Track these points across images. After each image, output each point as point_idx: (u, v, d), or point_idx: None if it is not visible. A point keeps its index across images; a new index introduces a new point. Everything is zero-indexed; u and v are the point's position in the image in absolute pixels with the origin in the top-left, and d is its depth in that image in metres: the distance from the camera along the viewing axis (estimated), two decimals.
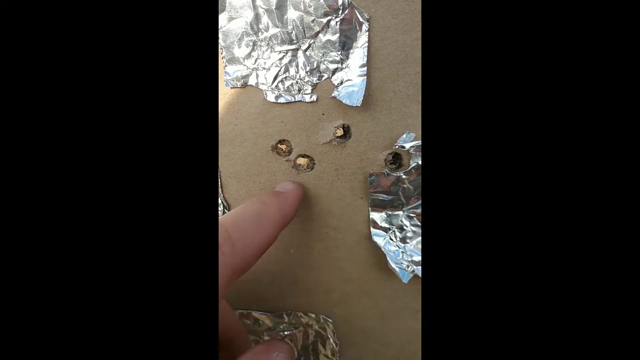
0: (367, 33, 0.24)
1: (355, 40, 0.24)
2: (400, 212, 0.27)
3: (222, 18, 0.25)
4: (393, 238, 0.27)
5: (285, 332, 0.31)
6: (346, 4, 0.23)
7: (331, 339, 0.31)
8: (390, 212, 0.27)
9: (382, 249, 0.27)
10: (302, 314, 0.31)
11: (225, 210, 0.28)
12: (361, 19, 0.24)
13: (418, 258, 0.27)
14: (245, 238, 0.21)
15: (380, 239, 0.27)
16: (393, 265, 0.26)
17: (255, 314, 0.31)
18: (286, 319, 0.31)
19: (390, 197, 0.27)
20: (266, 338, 0.32)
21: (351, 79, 0.25)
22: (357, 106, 0.25)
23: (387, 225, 0.27)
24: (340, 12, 0.24)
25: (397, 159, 0.27)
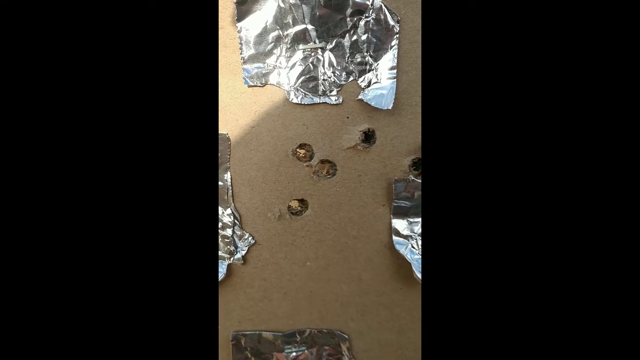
0: (397, 35, 0.23)
1: (385, 41, 0.23)
2: (422, 219, 0.27)
3: (243, 11, 0.23)
4: (415, 246, 0.27)
5: (297, 353, 0.29)
6: (377, 4, 0.23)
7: (345, 356, 0.29)
8: (411, 220, 0.26)
9: (406, 258, 0.26)
10: (315, 332, 0.29)
11: (236, 222, 0.26)
12: (392, 22, 0.23)
13: None
14: None
15: (402, 247, 0.26)
16: (419, 275, 0.26)
17: (265, 335, 0.28)
18: (298, 339, 0.29)
19: (411, 204, 0.26)
20: None
21: (379, 82, 0.24)
22: (382, 110, 0.24)
23: (408, 233, 0.27)
24: (370, 12, 0.23)
25: (419, 164, 0.26)
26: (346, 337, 0.29)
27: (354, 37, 0.23)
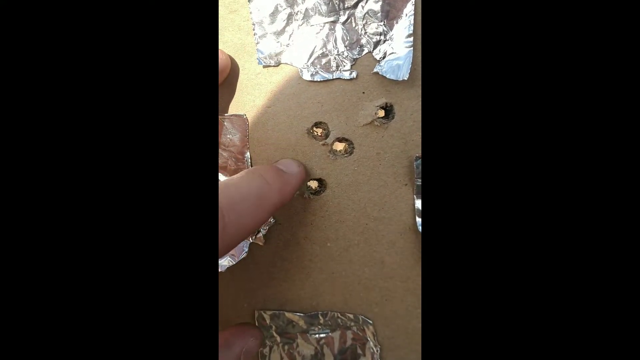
0: (413, 0, 0.22)
1: (400, 8, 0.22)
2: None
3: None
4: None
5: (321, 335, 0.29)
6: None
7: (371, 342, 0.28)
8: None
9: None
10: (339, 315, 0.28)
11: None
12: None
13: None
14: (238, 222, 0.18)
15: None
16: None
17: (288, 314, 0.29)
18: (321, 320, 0.29)
19: None
20: (300, 340, 0.29)
21: (396, 52, 0.22)
22: (401, 83, 0.23)
23: None
24: None
25: None
26: (370, 322, 0.28)
27: (367, 8, 0.22)
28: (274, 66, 0.24)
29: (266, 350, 0.30)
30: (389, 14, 0.22)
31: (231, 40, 0.24)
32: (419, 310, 0.27)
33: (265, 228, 0.27)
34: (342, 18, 0.23)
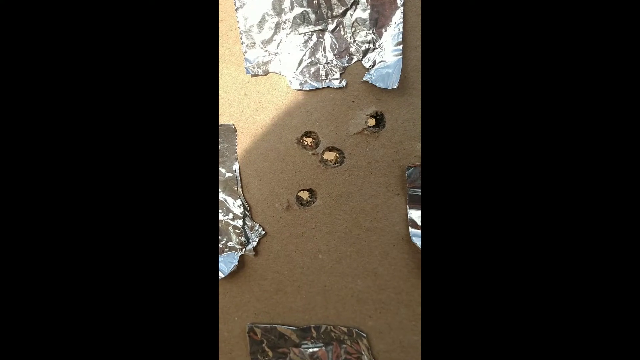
0: (402, 8, 0.21)
1: (389, 16, 0.22)
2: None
3: (242, 0, 0.23)
4: None
5: (314, 349, 0.28)
6: None
7: (365, 356, 0.28)
8: None
9: None
10: (332, 328, 0.27)
11: (247, 213, 0.26)
12: None
13: None
14: None
15: (419, 240, 0.24)
16: None
17: (281, 328, 0.28)
18: (314, 334, 0.28)
19: None
20: (292, 355, 0.29)
21: (385, 60, 0.22)
22: (391, 92, 0.23)
23: None
24: None
25: None
26: (364, 335, 0.27)
27: (355, 16, 0.22)
28: (262, 75, 0.24)
29: None
30: (378, 22, 0.22)
31: (219, 49, 0.24)
32: (414, 323, 0.27)
33: (255, 239, 0.26)
34: (331, 26, 0.22)
